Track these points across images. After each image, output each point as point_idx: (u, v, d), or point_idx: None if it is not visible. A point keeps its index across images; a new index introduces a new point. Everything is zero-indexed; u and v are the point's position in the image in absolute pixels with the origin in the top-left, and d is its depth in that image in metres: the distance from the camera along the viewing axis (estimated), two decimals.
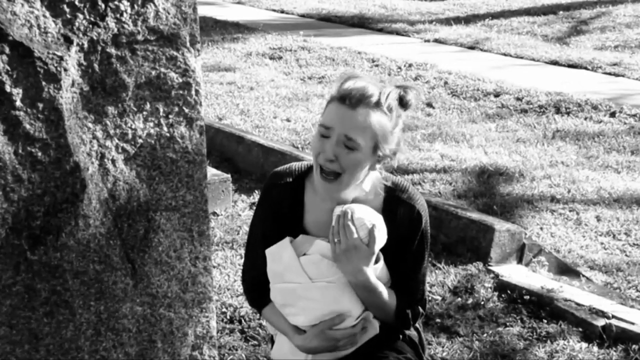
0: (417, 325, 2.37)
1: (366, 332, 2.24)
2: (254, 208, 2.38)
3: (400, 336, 2.33)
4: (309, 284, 2.17)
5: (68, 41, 1.62)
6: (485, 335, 3.32)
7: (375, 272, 2.19)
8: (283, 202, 2.26)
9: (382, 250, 2.20)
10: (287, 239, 2.22)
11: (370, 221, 2.14)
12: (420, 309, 2.31)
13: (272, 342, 2.43)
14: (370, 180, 2.22)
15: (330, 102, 2.14)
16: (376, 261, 2.19)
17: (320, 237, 2.22)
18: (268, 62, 8.74)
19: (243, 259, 2.39)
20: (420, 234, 2.24)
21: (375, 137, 2.11)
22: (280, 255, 2.21)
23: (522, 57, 9.04)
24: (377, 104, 2.10)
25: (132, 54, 1.70)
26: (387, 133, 2.12)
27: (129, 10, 1.68)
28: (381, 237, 2.16)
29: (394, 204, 2.23)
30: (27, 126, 1.60)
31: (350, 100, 2.09)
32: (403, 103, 2.15)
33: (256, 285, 2.31)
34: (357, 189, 2.20)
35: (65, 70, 1.62)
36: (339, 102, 2.10)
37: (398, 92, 2.13)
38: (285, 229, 2.24)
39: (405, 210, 2.23)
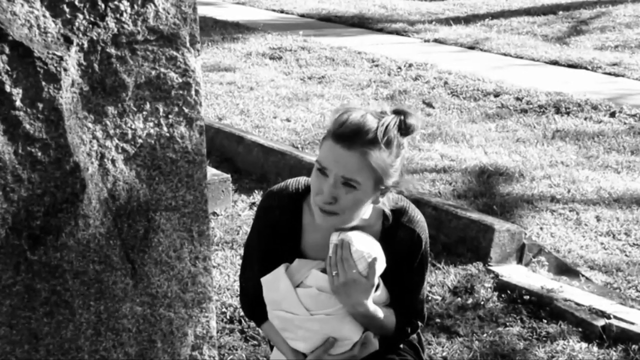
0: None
1: (366, 348, 2.21)
2: (253, 210, 2.36)
3: (400, 346, 2.33)
4: (307, 316, 2.14)
5: (68, 41, 1.62)
6: (485, 335, 3.32)
7: (374, 298, 2.15)
8: (280, 224, 2.19)
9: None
10: (282, 268, 2.17)
11: (369, 254, 2.07)
12: (419, 323, 2.29)
13: (270, 342, 2.43)
14: (370, 209, 2.15)
15: (325, 139, 2.04)
16: (375, 289, 2.15)
17: (317, 261, 2.18)
18: (268, 62, 8.73)
19: (240, 271, 2.37)
20: (420, 257, 2.20)
21: (375, 175, 2.01)
22: (276, 285, 2.16)
23: (522, 57, 9.04)
24: (374, 141, 1.97)
25: (132, 54, 1.70)
26: (387, 168, 2.02)
27: (129, 10, 1.68)
28: (380, 268, 2.11)
29: (394, 227, 2.17)
30: (27, 126, 1.60)
31: (345, 139, 1.97)
32: (404, 129, 2.03)
33: (256, 300, 2.26)
34: (357, 219, 2.12)
35: (65, 70, 1.62)
36: (334, 141, 1.99)
37: (397, 121, 2.01)
38: (283, 248, 2.20)
39: (405, 233, 2.17)
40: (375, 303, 2.16)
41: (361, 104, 6.76)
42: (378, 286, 2.17)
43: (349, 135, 1.98)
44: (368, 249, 2.08)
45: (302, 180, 2.25)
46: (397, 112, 2.04)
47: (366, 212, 2.13)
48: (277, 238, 2.20)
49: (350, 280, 2.06)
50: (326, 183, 2.02)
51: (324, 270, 2.14)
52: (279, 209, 2.20)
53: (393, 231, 2.17)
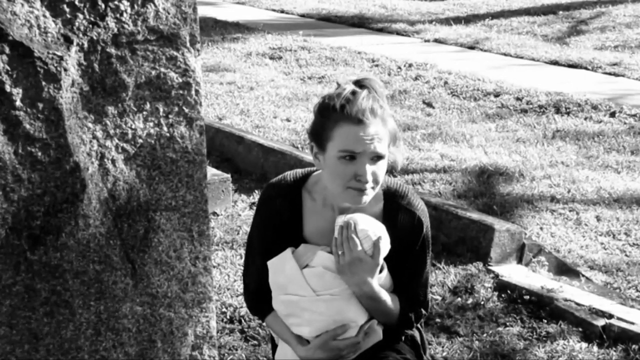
0: (418, 325, 2.37)
1: (369, 337, 2.22)
2: (253, 210, 2.37)
3: (402, 337, 2.33)
4: (314, 297, 2.15)
5: (68, 41, 1.62)
6: (485, 335, 3.32)
7: (379, 281, 2.17)
8: (281, 213, 2.22)
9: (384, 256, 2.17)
10: (288, 250, 2.19)
11: (374, 232, 2.10)
12: (423, 311, 2.30)
13: (273, 342, 2.43)
14: None
15: (338, 125, 2.06)
16: (380, 270, 2.17)
17: (322, 246, 2.20)
18: (268, 62, 8.73)
19: (243, 269, 2.38)
20: (421, 240, 2.22)
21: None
22: (282, 268, 2.18)
23: (522, 57, 9.04)
24: (383, 109, 2.08)
25: (132, 54, 1.70)
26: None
27: (129, 10, 1.68)
28: (385, 248, 2.13)
29: (394, 211, 2.21)
30: (27, 126, 1.60)
31: (364, 116, 2.03)
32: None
33: (259, 294, 2.28)
34: None
35: (65, 70, 1.62)
36: (353, 123, 2.04)
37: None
38: (285, 239, 2.21)
39: (406, 217, 2.21)
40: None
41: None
42: (382, 268, 2.18)
43: (366, 111, 2.04)
44: (373, 229, 2.11)
45: (298, 170, 2.29)
46: (358, 84, 2.11)
47: None
48: (278, 228, 2.22)
49: (355, 259, 2.09)
50: (360, 165, 2.06)
51: (330, 253, 2.17)
52: (279, 198, 2.23)
53: (394, 214, 2.21)
